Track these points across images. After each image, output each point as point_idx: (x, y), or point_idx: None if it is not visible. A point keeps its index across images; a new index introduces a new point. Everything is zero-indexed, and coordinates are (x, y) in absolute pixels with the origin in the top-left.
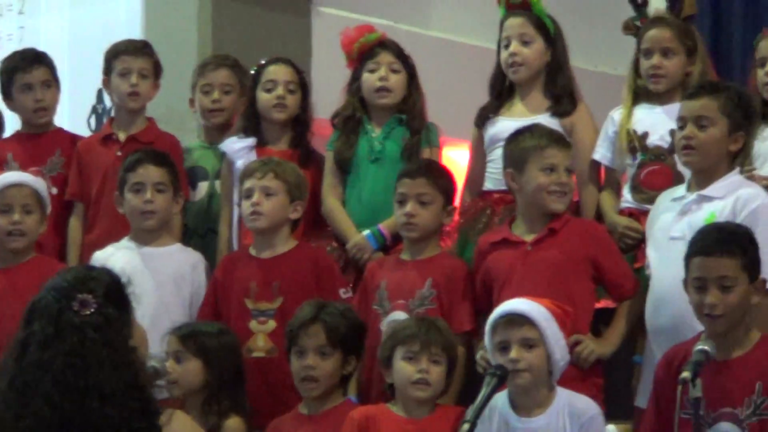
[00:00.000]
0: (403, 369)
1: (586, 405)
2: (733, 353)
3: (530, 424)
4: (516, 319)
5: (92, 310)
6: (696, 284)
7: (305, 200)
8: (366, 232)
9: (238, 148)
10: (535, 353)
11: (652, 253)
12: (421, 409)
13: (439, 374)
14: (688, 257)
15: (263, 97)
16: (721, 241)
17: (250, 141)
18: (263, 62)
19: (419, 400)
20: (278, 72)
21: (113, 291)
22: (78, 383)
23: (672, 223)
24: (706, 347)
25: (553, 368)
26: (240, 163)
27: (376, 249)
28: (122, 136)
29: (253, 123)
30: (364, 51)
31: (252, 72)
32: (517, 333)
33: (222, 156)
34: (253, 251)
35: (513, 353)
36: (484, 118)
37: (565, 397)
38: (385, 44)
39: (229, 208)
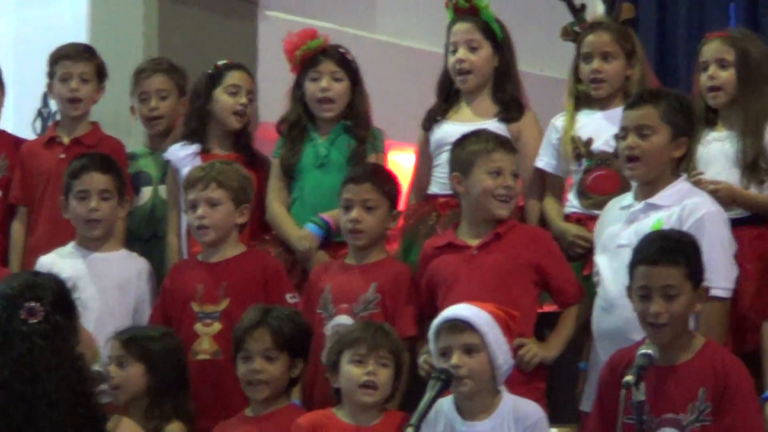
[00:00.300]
0: (350, 372)
1: (531, 409)
2: (677, 359)
3: (475, 428)
4: (457, 325)
5: (40, 318)
6: (640, 293)
7: (251, 201)
8: (308, 223)
9: (183, 155)
10: (477, 359)
11: (600, 259)
12: (368, 414)
13: (387, 377)
14: (633, 265)
15: (226, 101)
16: (666, 250)
17: (195, 147)
18: (224, 64)
19: (366, 404)
20: (242, 79)
21: (60, 298)
22: (26, 391)
23: (619, 231)
24: (649, 351)
25: (496, 373)
26: (185, 171)
27: (321, 234)
28: (66, 140)
29: (197, 127)
30: (307, 58)
31: (209, 72)
32: (459, 339)
33: (166, 164)
34: (201, 257)
35: (454, 359)
36: (431, 121)
37: (510, 402)
38: (328, 52)
39: (176, 216)
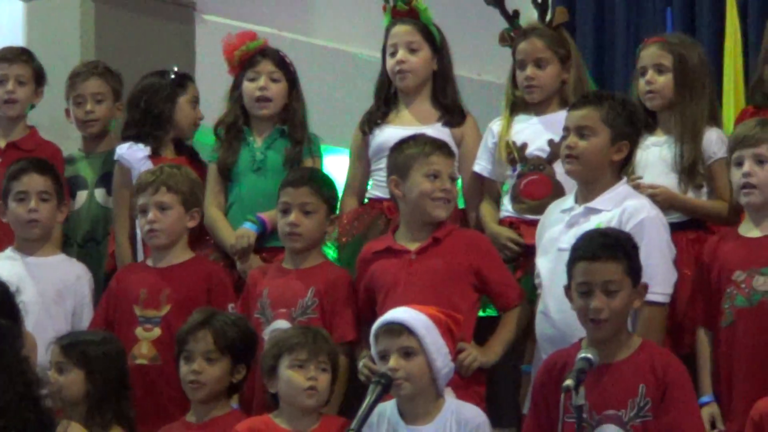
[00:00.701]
0: (292, 378)
1: (473, 413)
2: (616, 357)
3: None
4: (395, 328)
5: None
6: (581, 289)
7: (201, 204)
8: (244, 223)
9: (141, 157)
10: (415, 362)
11: (542, 263)
12: (307, 419)
13: (327, 382)
14: (572, 263)
15: (189, 112)
16: (606, 246)
17: (147, 150)
18: (186, 73)
19: (309, 408)
20: (194, 91)
21: (3, 301)
22: None
23: (560, 235)
24: (589, 355)
25: (435, 376)
26: (137, 172)
27: (257, 231)
28: (2, 143)
29: (152, 131)
30: (245, 59)
31: (173, 78)
32: (396, 342)
33: (113, 164)
34: (149, 262)
35: (391, 362)
36: (371, 124)
37: (452, 406)
38: (266, 53)
39: (125, 217)
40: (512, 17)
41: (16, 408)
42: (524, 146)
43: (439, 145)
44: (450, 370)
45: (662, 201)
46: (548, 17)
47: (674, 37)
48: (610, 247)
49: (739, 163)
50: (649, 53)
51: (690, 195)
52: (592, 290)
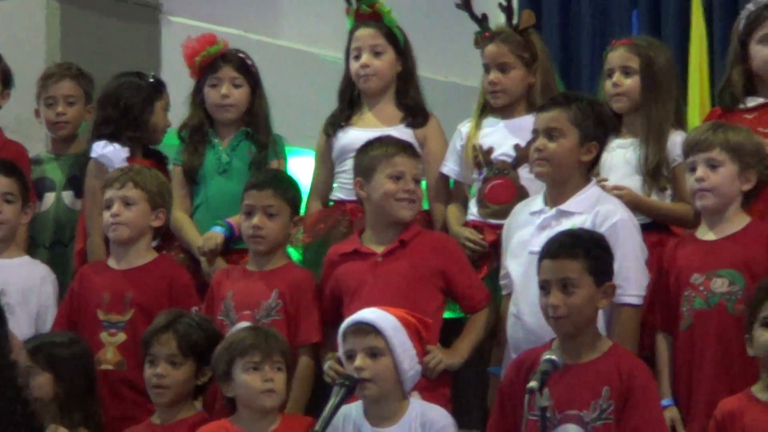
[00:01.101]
0: (248, 381)
1: (439, 415)
2: (583, 357)
3: None
4: (363, 328)
5: None
6: (542, 286)
7: (169, 207)
8: (213, 227)
9: (123, 158)
10: (381, 362)
11: (513, 267)
12: (266, 420)
13: (283, 381)
14: (539, 262)
15: (163, 118)
16: (565, 245)
17: (125, 151)
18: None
19: (268, 409)
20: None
21: None
22: None
23: (531, 238)
24: (553, 357)
25: (402, 378)
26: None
27: (225, 234)
28: None
29: (130, 134)
30: (206, 64)
31: (151, 82)
32: (363, 342)
33: (82, 166)
34: (111, 262)
35: (358, 361)
36: (335, 126)
37: (417, 408)
38: (228, 57)
39: (99, 216)
40: (481, 20)
41: (7, 412)
42: (490, 150)
43: (404, 147)
44: (416, 372)
45: (626, 202)
46: (515, 21)
47: (642, 39)
48: (569, 246)
49: (693, 168)
50: (617, 55)
51: (654, 197)
52: (549, 287)
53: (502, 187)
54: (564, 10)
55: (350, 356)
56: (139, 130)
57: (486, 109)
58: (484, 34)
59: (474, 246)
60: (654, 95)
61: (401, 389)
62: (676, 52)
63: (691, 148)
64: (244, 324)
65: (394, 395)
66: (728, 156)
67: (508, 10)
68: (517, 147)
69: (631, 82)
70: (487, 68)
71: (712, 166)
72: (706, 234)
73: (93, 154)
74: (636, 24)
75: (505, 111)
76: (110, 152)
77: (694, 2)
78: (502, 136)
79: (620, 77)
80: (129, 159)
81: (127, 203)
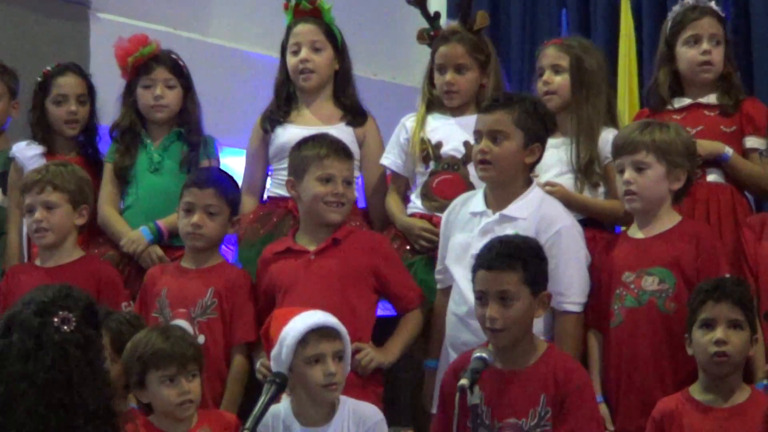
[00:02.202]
0: (164, 395)
1: (370, 411)
2: (520, 364)
3: None
4: (332, 332)
5: (72, 327)
6: (478, 297)
7: (91, 201)
8: (142, 227)
9: (30, 155)
10: (341, 366)
11: (457, 270)
12: (184, 424)
13: (199, 386)
14: (474, 270)
15: (54, 111)
16: (503, 256)
17: (40, 149)
18: (49, 70)
19: (187, 417)
20: (68, 85)
21: (89, 311)
22: (63, 399)
23: (474, 242)
24: (483, 354)
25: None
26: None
27: (151, 241)
28: None
29: (42, 132)
30: (139, 65)
31: (38, 80)
32: (332, 346)
33: (7, 163)
34: (38, 261)
35: (331, 367)
36: (273, 122)
37: (348, 405)
38: (160, 59)
39: (18, 214)
40: (433, 18)
41: (103, 416)
42: (439, 144)
43: (335, 149)
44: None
45: (559, 199)
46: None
47: (573, 40)
48: (507, 257)
49: (621, 171)
50: (547, 54)
51: (586, 194)
52: (487, 299)
53: (451, 183)
54: (494, 9)
55: (317, 360)
56: (47, 130)
57: (432, 104)
58: (435, 31)
59: (429, 236)
60: (584, 93)
61: None
62: (605, 52)
63: (618, 150)
64: (179, 322)
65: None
66: (655, 157)
67: (464, 9)
68: (466, 144)
69: (561, 80)
70: (441, 68)
71: (639, 168)
72: (637, 233)
73: (10, 154)
74: (566, 23)
75: (456, 108)
76: (22, 150)
77: (623, 2)
78: (453, 132)
79: (550, 75)
80: (53, 156)
81: (49, 207)
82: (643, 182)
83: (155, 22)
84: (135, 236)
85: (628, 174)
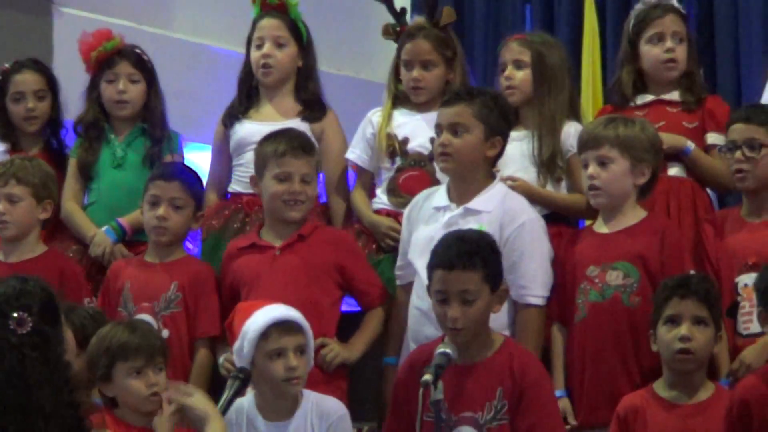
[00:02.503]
0: (132, 387)
1: (334, 406)
2: (477, 357)
3: (279, 429)
4: (294, 327)
5: (28, 329)
6: (438, 297)
7: (55, 196)
8: (104, 227)
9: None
10: (304, 360)
11: (419, 264)
12: (149, 417)
13: (164, 380)
14: (431, 267)
15: (12, 109)
16: (463, 255)
17: (3, 146)
18: (7, 68)
19: (153, 411)
20: (24, 82)
21: (47, 306)
22: (21, 402)
23: (438, 235)
24: (447, 350)
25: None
26: None
27: (116, 241)
28: None
29: (5, 129)
30: (103, 60)
31: None
32: (294, 340)
33: None
34: (1, 256)
35: (293, 361)
36: (232, 118)
37: (312, 399)
38: (124, 53)
39: None
40: (399, 14)
41: (62, 415)
42: (406, 140)
43: (296, 146)
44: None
45: (521, 194)
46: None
47: (536, 35)
48: (467, 255)
49: (586, 165)
50: (509, 49)
51: (549, 188)
52: (448, 299)
53: (417, 179)
54: (458, 4)
55: (279, 354)
56: (11, 127)
57: (398, 100)
58: (401, 27)
59: (396, 235)
60: (546, 88)
61: None
62: (569, 48)
63: (583, 145)
64: (143, 316)
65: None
66: (619, 152)
67: (430, 5)
68: (433, 140)
69: (523, 75)
70: (407, 64)
71: (603, 163)
72: (602, 227)
73: None
74: (530, 18)
75: (422, 104)
76: None
77: None
78: (419, 128)
79: (512, 71)
80: (18, 152)
81: (12, 201)
82: (607, 177)
83: (119, 16)
84: (100, 240)
85: (592, 168)
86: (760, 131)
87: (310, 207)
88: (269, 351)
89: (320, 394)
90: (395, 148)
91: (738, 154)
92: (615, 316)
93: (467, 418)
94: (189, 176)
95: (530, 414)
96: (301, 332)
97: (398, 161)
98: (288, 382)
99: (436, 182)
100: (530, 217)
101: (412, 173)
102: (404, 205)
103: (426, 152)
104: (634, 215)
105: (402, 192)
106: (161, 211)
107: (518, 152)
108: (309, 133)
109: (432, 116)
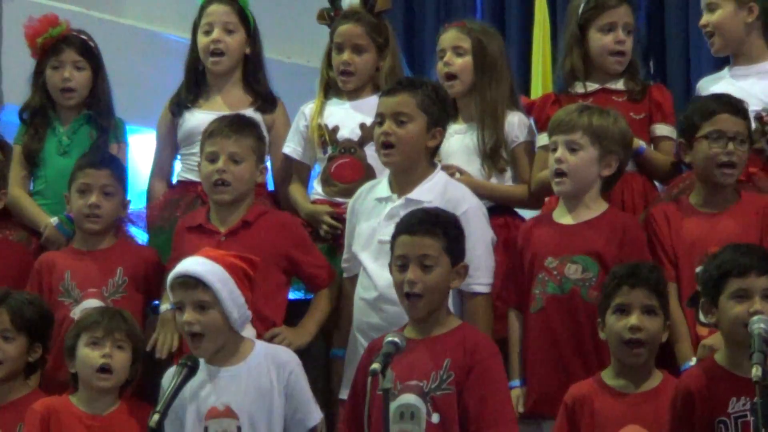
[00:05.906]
0: (86, 355)
1: (289, 356)
2: (431, 332)
3: (230, 372)
4: (190, 282)
5: None
6: (399, 262)
7: (5, 187)
8: (54, 220)
9: None
10: (210, 315)
11: (363, 256)
12: (104, 401)
13: (123, 361)
14: (395, 236)
15: None
16: (425, 222)
17: None
18: None
19: (102, 389)
20: None
21: None
22: None
23: (380, 227)
24: (396, 339)
25: (233, 326)
26: None
27: (68, 236)
28: None
29: None
30: (48, 46)
31: None
32: (191, 295)
33: None
34: None
35: (186, 316)
36: (181, 106)
37: (264, 349)
38: (70, 40)
39: None
40: None
41: None
42: (336, 129)
43: (221, 126)
44: (248, 317)
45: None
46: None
47: (475, 23)
48: (428, 223)
49: (554, 149)
50: (448, 37)
51: (494, 180)
52: (408, 263)
53: (348, 166)
54: None
55: (180, 308)
56: None
57: (330, 89)
58: (335, 11)
59: (336, 223)
60: (487, 77)
61: (234, 333)
62: (520, 37)
63: (554, 128)
64: (91, 301)
65: (228, 341)
66: (589, 140)
67: None
68: (362, 126)
69: (463, 63)
70: (339, 47)
71: (572, 149)
72: (563, 217)
73: None
74: (480, 8)
75: (352, 92)
76: None
77: None
78: (348, 116)
79: (452, 57)
80: None
81: None
82: (574, 162)
83: (68, 2)
84: (52, 236)
85: (560, 152)
86: (745, 125)
87: (242, 189)
88: (174, 303)
89: (270, 344)
90: (326, 137)
91: (731, 146)
92: (573, 309)
93: (412, 386)
94: (117, 164)
95: (479, 387)
96: (201, 288)
97: (329, 150)
98: (187, 336)
99: (368, 167)
100: (472, 204)
101: (343, 161)
102: (338, 193)
103: (356, 138)
104: (596, 208)
105: (335, 180)
106: (93, 198)
107: (461, 145)
108: (261, 124)
109: (361, 103)
